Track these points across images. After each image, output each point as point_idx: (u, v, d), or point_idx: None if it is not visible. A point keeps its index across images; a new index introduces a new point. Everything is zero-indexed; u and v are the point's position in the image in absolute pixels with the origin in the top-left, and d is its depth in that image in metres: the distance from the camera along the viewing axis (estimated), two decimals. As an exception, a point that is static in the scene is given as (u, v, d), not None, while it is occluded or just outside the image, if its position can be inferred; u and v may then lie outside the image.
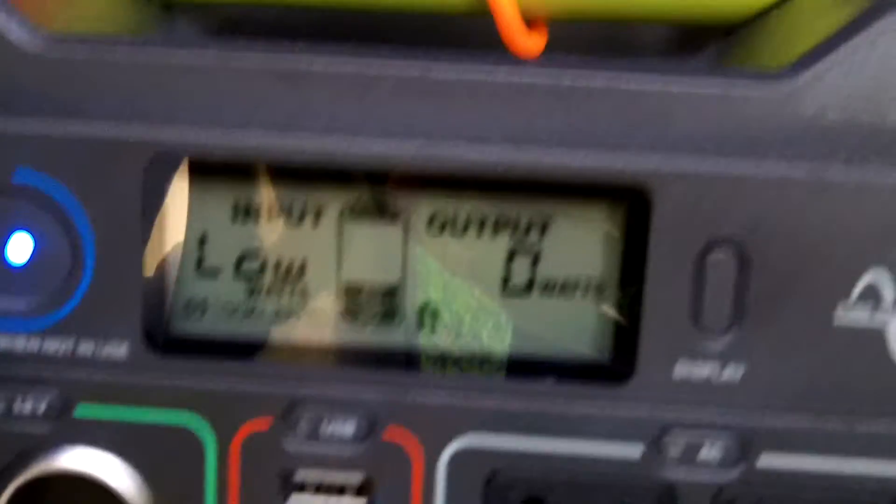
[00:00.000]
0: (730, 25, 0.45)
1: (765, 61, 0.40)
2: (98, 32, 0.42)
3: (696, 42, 0.48)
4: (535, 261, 0.38)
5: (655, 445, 0.39)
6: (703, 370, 0.38)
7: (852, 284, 0.37)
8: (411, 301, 0.39)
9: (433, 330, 0.39)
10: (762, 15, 0.44)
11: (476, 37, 0.45)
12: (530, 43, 0.44)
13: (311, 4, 0.46)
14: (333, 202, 0.38)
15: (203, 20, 0.49)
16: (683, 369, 0.38)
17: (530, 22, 0.45)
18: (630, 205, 0.37)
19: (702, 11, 0.44)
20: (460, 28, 0.47)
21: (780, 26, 0.42)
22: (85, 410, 0.39)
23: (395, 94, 0.37)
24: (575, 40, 0.47)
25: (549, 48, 0.46)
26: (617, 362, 0.38)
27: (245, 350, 0.39)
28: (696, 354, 0.38)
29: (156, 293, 0.39)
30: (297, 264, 0.39)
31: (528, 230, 0.38)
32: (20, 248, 0.38)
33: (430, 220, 0.38)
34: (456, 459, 0.39)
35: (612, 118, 0.36)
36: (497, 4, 0.43)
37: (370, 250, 0.39)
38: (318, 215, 0.39)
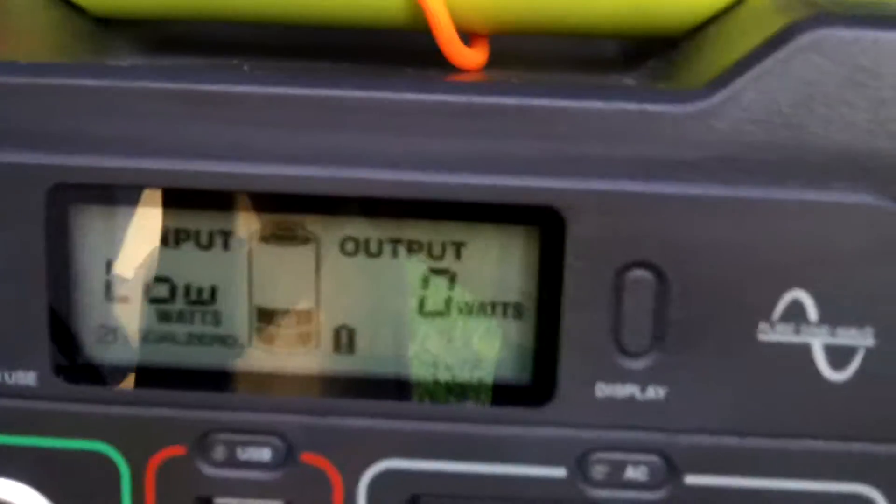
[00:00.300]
0: (673, 38, 0.44)
1: (695, 77, 0.39)
2: (28, 53, 0.40)
3: (643, 56, 0.47)
4: (452, 283, 0.38)
5: (579, 467, 0.38)
6: (624, 391, 0.37)
7: (774, 304, 0.36)
8: (326, 324, 0.38)
9: (349, 353, 0.38)
10: (702, 28, 0.43)
11: (423, 51, 0.44)
12: (470, 57, 0.44)
13: (247, 21, 0.45)
14: (243, 226, 0.38)
15: (140, 37, 0.48)
16: (605, 390, 0.37)
17: (471, 36, 0.44)
18: (544, 227, 0.36)
19: (641, 25, 0.43)
20: (407, 43, 0.47)
21: (717, 40, 0.41)
22: None
23: (301, 116, 0.36)
24: (521, 54, 0.46)
25: (497, 63, 0.45)
26: (537, 384, 0.38)
27: (157, 377, 0.39)
28: (617, 376, 0.37)
29: (64, 320, 0.38)
30: (207, 289, 0.38)
31: (442, 252, 0.37)
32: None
33: (343, 243, 0.38)
34: (376, 484, 0.38)
35: (522, 139, 0.36)
36: (434, 20, 0.42)
37: (283, 274, 0.38)
38: (227, 239, 0.38)
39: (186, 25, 0.48)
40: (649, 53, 0.46)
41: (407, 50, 0.46)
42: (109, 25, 0.46)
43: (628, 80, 0.44)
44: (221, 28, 0.47)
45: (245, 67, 0.43)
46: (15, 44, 0.41)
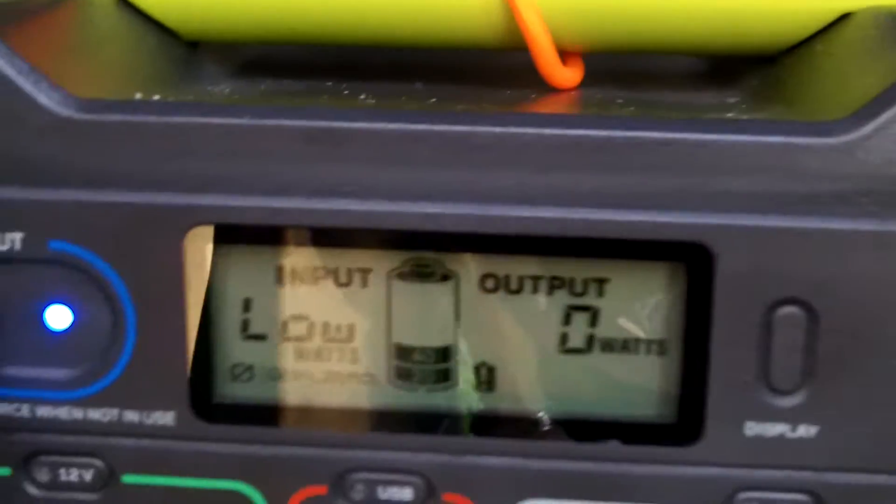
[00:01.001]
0: (765, 55, 0.43)
1: (812, 100, 0.38)
2: (129, 81, 0.40)
3: (729, 71, 0.46)
4: (594, 320, 0.37)
5: None
6: (774, 430, 0.36)
7: None
8: (465, 362, 0.37)
9: (489, 392, 0.38)
10: (801, 46, 0.42)
11: (511, 69, 0.44)
12: (568, 76, 0.43)
13: (340, 43, 0.44)
14: (381, 264, 0.37)
15: (228, 59, 0.48)
16: (754, 429, 0.36)
17: (565, 55, 0.43)
18: (690, 263, 0.35)
19: (738, 42, 0.43)
20: (485, 61, 0.46)
21: (825, 61, 0.40)
22: (132, 479, 0.38)
23: (441, 154, 0.35)
24: (607, 71, 0.46)
25: (585, 80, 0.44)
26: (684, 423, 0.37)
27: (294, 415, 0.38)
28: (766, 414, 0.36)
29: (201, 359, 0.37)
30: (345, 327, 0.38)
31: (585, 289, 0.37)
32: (60, 317, 0.37)
33: (482, 280, 0.37)
34: None
35: (666, 173, 0.35)
36: (533, 38, 0.42)
37: (421, 311, 0.37)
38: (365, 277, 0.37)
39: (273, 46, 0.47)
40: (741, 69, 0.45)
41: (494, 68, 0.45)
42: (197, 48, 0.46)
43: (730, 99, 0.43)
44: (308, 48, 0.46)
45: (345, 91, 0.43)
46: (125, 74, 0.41)
